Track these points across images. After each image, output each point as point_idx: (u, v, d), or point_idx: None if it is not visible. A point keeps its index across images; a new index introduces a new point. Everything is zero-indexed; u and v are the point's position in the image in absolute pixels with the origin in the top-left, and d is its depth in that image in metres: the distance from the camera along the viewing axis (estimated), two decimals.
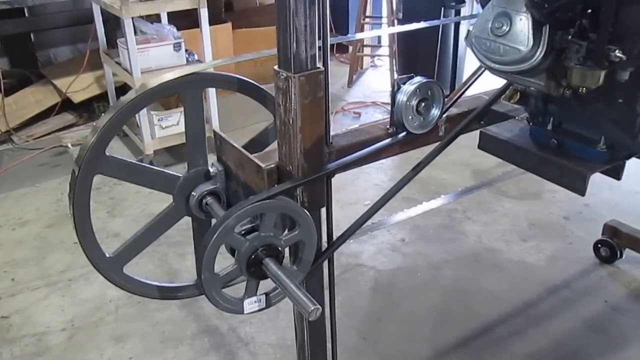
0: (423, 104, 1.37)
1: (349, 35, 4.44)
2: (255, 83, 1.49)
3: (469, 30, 1.22)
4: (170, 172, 1.42)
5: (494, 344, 2.03)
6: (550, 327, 2.09)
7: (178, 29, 3.31)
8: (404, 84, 1.38)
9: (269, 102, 1.52)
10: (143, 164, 1.41)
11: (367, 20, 4.55)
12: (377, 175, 3.15)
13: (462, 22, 3.87)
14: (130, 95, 1.35)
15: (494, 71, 1.19)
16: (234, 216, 1.19)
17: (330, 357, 1.59)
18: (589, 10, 1.04)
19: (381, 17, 4.70)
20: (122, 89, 3.75)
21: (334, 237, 1.42)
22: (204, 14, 3.14)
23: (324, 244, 1.42)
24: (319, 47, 1.25)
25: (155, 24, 3.37)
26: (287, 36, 1.20)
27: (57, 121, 3.89)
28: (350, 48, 4.59)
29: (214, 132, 1.44)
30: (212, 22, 3.25)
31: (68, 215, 1.34)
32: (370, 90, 4.49)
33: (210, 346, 2.06)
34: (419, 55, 4.07)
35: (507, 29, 1.10)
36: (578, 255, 2.46)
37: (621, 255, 2.36)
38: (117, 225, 2.80)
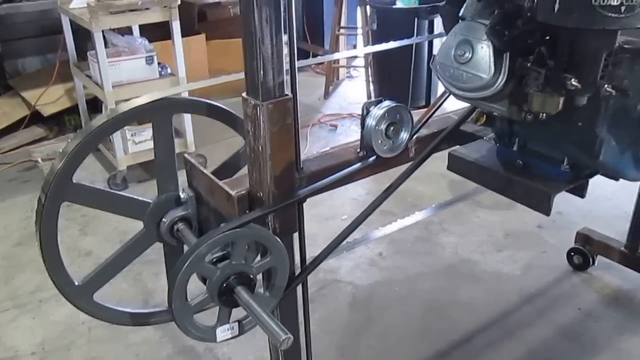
0: (392, 127, 1.39)
1: (326, 55, 4.45)
2: (224, 108, 1.50)
3: (434, 55, 1.24)
4: (140, 199, 1.41)
5: (472, 356, 2.05)
6: (526, 336, 2.12)
7: (150, 41, 3.28)
8: (373, 107, 1.39)
9: (239, 126, 1.53)
10: (112, 191, 1.41)
11: (342, 30, 4.57)
12: (354, 189, 3.16)
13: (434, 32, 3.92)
14: (98, 121, 1.35)
15: (458, 97, 1.20)
16: (204, 245, 1.19)
17: None
18: (547, 38, 1.06)
19: (356, 28, 4.73)
20: (94, 102, 3.68)
21: (309, 257, 1.42)
22: (176, 27, 3.11)
23: (298, 264, 1.42)
24: (287, 71, 1.26)
25: (127, 36, 3.33)
26: (254, 64, 1.21)
27: (26, 135, 3.80)
28: None
29: (184, 157, 1.44)
30: (185, 34, 3.23)
31: None
32: (346, 101, 4.50)
33: None
34: (394, 66, 4.10)
35: (470, 56, 1.12)
36: (552, 263, 2.50)
37: (593, 263, 2.40)
38: (89, 243, 2.76)
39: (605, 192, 2.84)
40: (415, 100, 4.12)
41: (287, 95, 1.25)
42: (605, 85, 1.03)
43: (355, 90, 4.75)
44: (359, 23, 4.48)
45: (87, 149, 1.31)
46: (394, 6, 4.10)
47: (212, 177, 1.33)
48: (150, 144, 3.22)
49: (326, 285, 2.45)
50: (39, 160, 3.58)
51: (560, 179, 1.27)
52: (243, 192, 1.30)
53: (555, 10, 0.95)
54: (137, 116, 1.40)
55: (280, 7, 1.17)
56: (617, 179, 1.28)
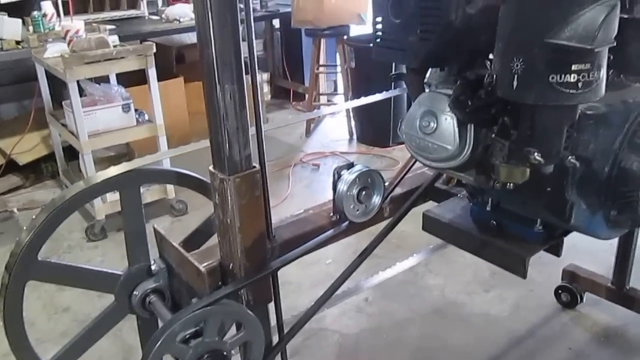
0: (364, 192, 1.38)
1: (306, 113, 4.48)
2: (195, 175, 1.48)
3: (400, 122, 1.23)
4: (110, 271, 1.39)
5: None
6: None
7: (128, 85, 3.25)
8: (344, 172, 1.38)
9: (210, 192, 1.51)
10: (79, 266, 1.38)
11: (321, 68, 4.59)
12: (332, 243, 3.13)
13: None
14: (64, 196, 1.33)
15: (427, 166, 1.19)
16: (175, 325, 1.16)
17: None
18: (510, 108, 1.06)
19: (335, 65, 4.75)
20: (71, 149, 3.62)
21: (292, 308, 1.40)
22: (152, 74, 3.10)
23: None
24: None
25: (103, 84, 3.31)
26: (219, 138, 1.20)
27: (2, 184, 3.73)
28: (307, 96, 4.62)
29: (154, 229, 1.41)
30: (163, 77, 3.22)
31: None
32: (328, 139, 4.49)
33: None
34: (375, 104, 4.09)
35: (434, 127, 1.12)
36: (540, 302, 2.47)
37: (582, 300, 2.38)
38: (67, 299, 2.68)
39: None
40: (397, 136, 4.08)
41: (254, 167, 1.24)
42: (569, 157, 1.03)
43: (336, 127, 4.74)
44: (338, 60, 4.51)
45: (52, 226, 1.29)
46: (371, 44, 4.12)
47: (182, 250, 1.31)
48: None
49: (312, 335, 2.41)
50: (15, 210, 3.50)
51: (534, 240, 1.26)
52: (214, 264, 1.28)
53: (514, 87, 0.95)
54: (106, 190, 1.38)
55: (243, 83, 1.17)
56: (592, 237, 1.27)
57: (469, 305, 2.51)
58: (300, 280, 2.61)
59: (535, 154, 0.99)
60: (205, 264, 1.26)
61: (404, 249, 2.85)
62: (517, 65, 0.95)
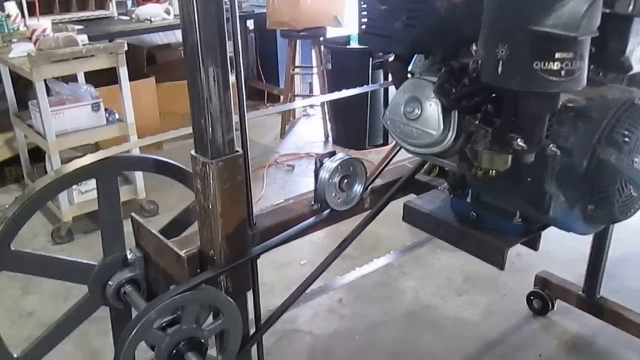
0: (345, 180, 1.38)
1: (282, 105, 4.47)
2: (174, 163, 1.46)
3: (384, 110, 1.24)
4: (84, 262, 1.35)
5: None
6: None
7: (97, 86, 3.19)
8: (326, 160, 1.38)
9: (190, 180, 1.48)
10: (53, 256, 1.34)
11: (296, 70, 4.59)
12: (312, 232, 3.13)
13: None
14: (40, 184, 1.29)
15: (410, 152, 1.20)
16: (152, 312, 1.14)
17: None
18: (493, 96, 1.07)
19: (311, 67, 4.76)
20: (36, 152, 3.54)
21: (265, 310, 1.38)
22: (123, 73, 3.04)
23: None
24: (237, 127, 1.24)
25: (71, 83, 3.23)
26: (201, 122, 1.18)
27: None
28: (282, 98, 4.62)
29: (131, 217, 1.38)
30: (134, 77, 3.16)
31: None
32: (303, 141, 4.49)
33: None
34: (351, 105, 4.11)
35: (419, 113, 1.13)
36: (512, 308, 2.50)
37: (553, 307, 2.41)
38: (32, 303, 2.59)
39: (563, 234, 2.85)
40: (373, 139, 4.14)
41: (237, 151, 1.23)
42: (550, 145, 1.05)
43: (312, 129, 4.73)
44: (314, 62, 4.52)
45: (26, 215, 1.26)
46: (347, 46, 4.16)
47: (161, 236, 1.29)
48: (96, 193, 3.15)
49: (284, 336, 2.39)
50: None
51: (513, 233, 1.27)
52: (194, 251, 1.26)
53: (499, 72, 0.96)
54: (82, 177, 1.35)
55: (227, 65, 1.16)
56: (568, 231, 1.29)
57: (442, 308, 2.52)
58: (273, 281, 2.59)
59: (519, 140, 1.00)
60: (184, 250, 1.24)
61: (379, 251, 2.85)
62: (502, 52, 0.96)
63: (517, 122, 1.00)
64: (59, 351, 2.17)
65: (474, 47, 1.05)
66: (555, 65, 0.94)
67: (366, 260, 2.78)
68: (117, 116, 3.22)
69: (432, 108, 1.10)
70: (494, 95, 1.06)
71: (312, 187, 1.44)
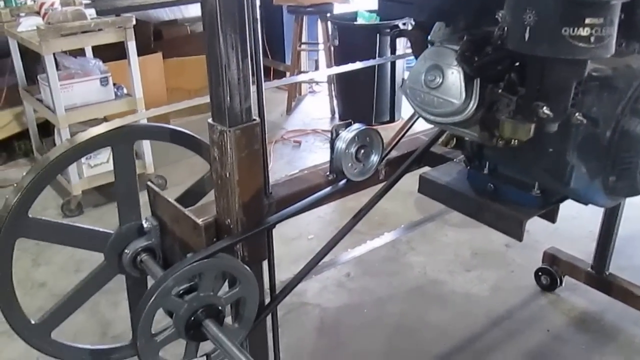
0: (362, 151, 1.37)
1: (290, 77, 4.42)
2: (189, 133, 1.45)
3: (403, 79, 1.23)
4: (101, 230, 1.35)
5: None
6: None
7: (104, 61, 3.19)
8: (343, 130, 1.37)
9: (204, 151, 1.48)
10: (70, 224, 1.34)
11: (302, 46, 4.56)
12: (320, 207, 3.12)
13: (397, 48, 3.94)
14: (55, 152, 1.28)
15: (429, 122, 1.19)
16: (170, 278, 1.14)
17: None
18: (517, 64, 1.06)
19: (317, 44, 4.72)
20: (45, 126, 3.56)
21: (277, 283, 1.38)
22: (132, 47, 3.03)
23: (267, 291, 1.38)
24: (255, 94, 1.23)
25: (80, 57, 3.23)
26: (220, 90, 1.17)
27: None
28: (288, 74, 4.58)
29: (147, 185, 1.38)
30: (141, 53, 3.15)
31: None
32: (309, 117, 4.47)
33: None
34: (357, 82, 4.09)
35: (440, 81, 1.11)
36: (520, 283, 2.50)
37: (561, 283, 2.41)
38: (43, 274, 2.63)
39: (571, 212, 2.83)
40: (379, 116, 4.12)
41: (254, 120, 1.22)
42: (576, 114, 1.03)
43: (318, 106, 4.72)
44: (320, 39, 4.48)
45: (44, 182, 1.25)
46: (355, 23, 4.11)
47: (178, 205, 1.28)
48: (106, 167, 3.16)
49: (293, 309, 2.40)
50: None
51: (531, 205, 1.27)
52: (210, 219, 1.26)
53: (526, 39, 0.95)
54: (97, 146, 1.34)
55: (245, 32, 1.15)
56: (586, 204, 1.28)
57: (450, 284, 2.54)
58: (281, 256, 2.58)
59: (544, 108, 0.99)
60: (202, 218, 1.24)
61: (387, 227, 2.86)
62: (529, 17, 0.95)
63: (543, 90, 0.99)
64: (71, 321, 2.20)
65: (499, 14, 1.03)
66: (585, 32, 0.92)
67: (374, 235, 2.79)
68: (125, 91, 3.21)
69: (454, 76, 1.09)
70: (518, 63, 1.04)
71: (318, 163, 1.43)
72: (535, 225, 2.71)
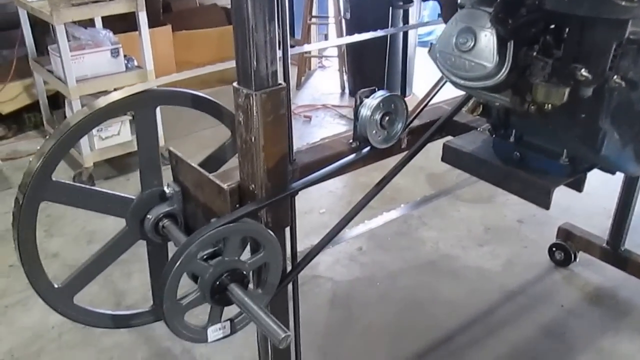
0: (387, 118, 1.35)
1: (305, 46, 4.37)
2: (210, 98, 1.43)
3: (432, 44, 1.21)
4: (123, 195, 1.34)
5: (454, 355, 2.02)
6: (508, 335, 2.10)
7: (113, 33, 3.15)
8: (367, 97, 1.35)
9: (225, 117, 1.47)
10: (93, 188, 1.34)
11: (313, 20, 4.50)
12: (331, 181, 3.11)
13: (409, 22, 3.90)
14: (77, 117, 1.27)
15: (458, 86, 1.17)
16: (196, 242, 1.13)
17: None
18: (553, 27, 1.04)
19: (328, 17, 4.67)
20: (55, 98, 3.53)
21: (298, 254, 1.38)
22: (142, 18, 2.99)
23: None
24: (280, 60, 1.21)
25: (90, 28, 3.19)
26: (246, 52, 1.15)
27: None
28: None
29: (169, 151, 1.37)
30: (150, 25, 3.11)
31: None
32: (319, 92, 4.44)
33: None
34: (368, 56, 4.05)
35: (472, 44, 1.09)
36: (533, 259, 2.50)
37: (575, 259, 2.40)
38: (56, 245, 2.63)
39: (585, 188, 2.85)
40: (391, 91, 4.09)
41: (280, 84, 1.20)
42: (614, 77, 1.01)
43: (327, 80, 4.69)
44: (331, 12, 4.42)
45: (66, 147, 1.24)
46: None
47: (202, 170, 1.27)
48: (117, 140, 3.15)
49: (306, 281, 2.40)
50: None
51: (559, 173, 1.25)
52: (234, 185, 1.25)
53: None
54: (119, 110, 1.32)
55: None
56: (614, 173, 1.27)
57: (462, 258, 2.53)
58: None
59: (583, 70, 0.97)
60: (227, 183, 1.23)
61: (399, 202, 2.85)
62: None
63: (581, 51, 0.97)
64: (84, 290, 2.21)
65: None
66: None
67: (386, 210, 2.78)
68: (135, 63, 3.18)
69: (487, 39, 1.07)
70: (555, 24, 1.02)
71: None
72: None
